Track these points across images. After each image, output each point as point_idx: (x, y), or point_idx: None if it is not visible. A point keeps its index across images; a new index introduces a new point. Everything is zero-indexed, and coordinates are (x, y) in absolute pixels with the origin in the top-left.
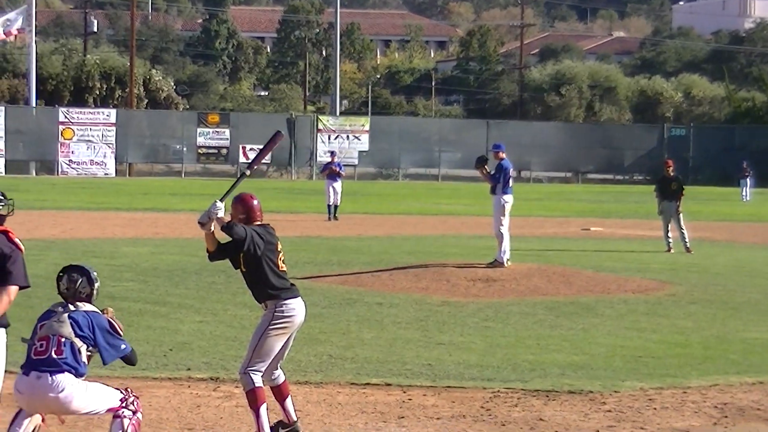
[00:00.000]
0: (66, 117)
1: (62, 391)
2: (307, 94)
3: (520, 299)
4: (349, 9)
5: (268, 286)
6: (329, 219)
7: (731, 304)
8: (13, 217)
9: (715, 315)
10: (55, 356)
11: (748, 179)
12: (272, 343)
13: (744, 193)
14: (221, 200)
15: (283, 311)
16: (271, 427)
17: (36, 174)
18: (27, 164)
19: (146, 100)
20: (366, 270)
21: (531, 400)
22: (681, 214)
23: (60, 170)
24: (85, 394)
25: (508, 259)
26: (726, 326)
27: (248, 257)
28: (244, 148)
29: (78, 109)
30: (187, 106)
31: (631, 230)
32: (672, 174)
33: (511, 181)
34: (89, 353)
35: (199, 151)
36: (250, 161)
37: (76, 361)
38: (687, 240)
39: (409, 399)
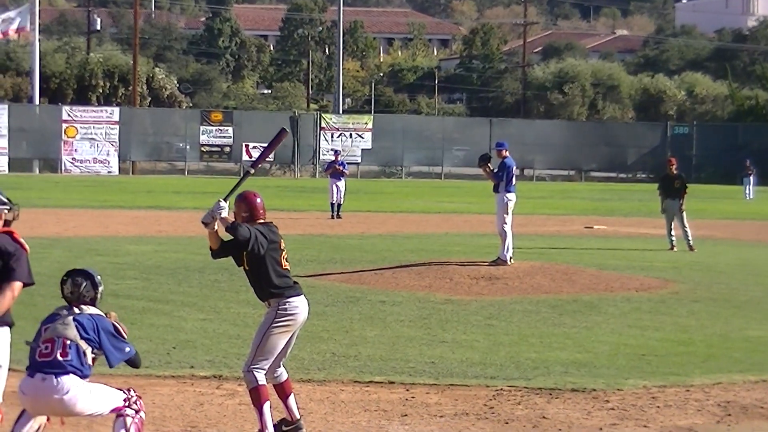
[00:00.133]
0: (69, 115)
1: (67, 392)
2: (310, 92)
3: (523, 297)
4: (352, 7)
5: (271, 285)
6: (332, 217)
7: (734, 302)
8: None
9: (719, 313)
10: (60, 358)
11: (751, 177)
12: (275, 341)
13: (747, 191)
14: (225, 199)
15: (286, 309)
16: (275, 425)
17: (39, 172)
18: (30, 162)
19: (149, 99)
20: (369, 268)
21: (534, 398)
22: (684, 212)
23: (63, 168)
24: (90, 395)
25: (511, 257)
26: (729, 324)
27: (251, 256)
28: (247, 146)
29: (81, 108)
30: (190, 104)
31: (634, 228)
32: (675, 172)
33: (514, 179)
34: (94, 356)
35: (203, 149)
36: (254, 159)
37: (81, 364)
38: (690, 238)
39: (412, 397)
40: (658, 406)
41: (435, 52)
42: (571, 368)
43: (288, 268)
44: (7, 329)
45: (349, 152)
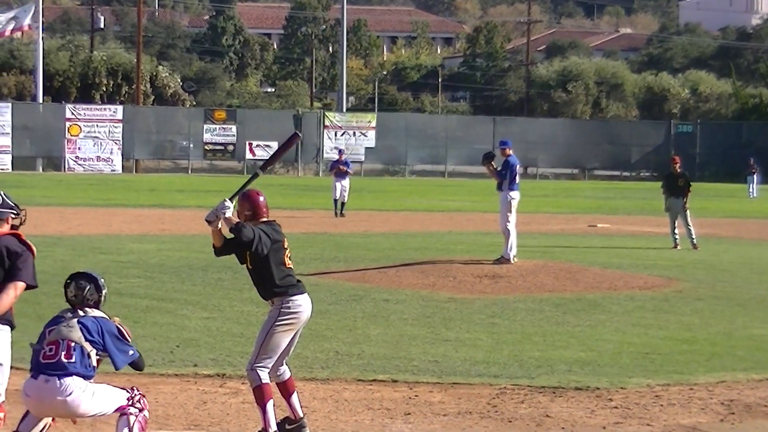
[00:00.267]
0: (73, 113)
1: (70, 394)
2: (314, 90)
3: (526, 296)
4: (355, 5)
5: (274, 284)
6: (336, 215)
7: (738, 301)
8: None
9: (722, 311)
10: (64, 360)
11: (755, 176)
12: (279, 339)
13: (751, 190)
14: (230, 199)
15: (289, 307)
16: (278, 424)
17: (43, 170)
18: (34, 160)
19: (153, 97)
20: (372, 266)
21: (537, 397)
22: (688, 211)
23: (67, 167)
24: (93, 396)
25: (514, 256)
26: (733, 323)
27: (255, 255)
28: (250, 144)
29: (85, 106)
30: (194, 103)
31: (637, 227)
32: (679, 170)
33: (517, 177)
34: (98, 357)
35: (206, 147)
36: (264, 161)
37: (84, 366)
38: (694, 236)
39: (416, 395)
40: (662, 405)
41: (438, 51)
42: (574, 367)
43: (291, 266)
44: (7, 328)
45: (353, 151)
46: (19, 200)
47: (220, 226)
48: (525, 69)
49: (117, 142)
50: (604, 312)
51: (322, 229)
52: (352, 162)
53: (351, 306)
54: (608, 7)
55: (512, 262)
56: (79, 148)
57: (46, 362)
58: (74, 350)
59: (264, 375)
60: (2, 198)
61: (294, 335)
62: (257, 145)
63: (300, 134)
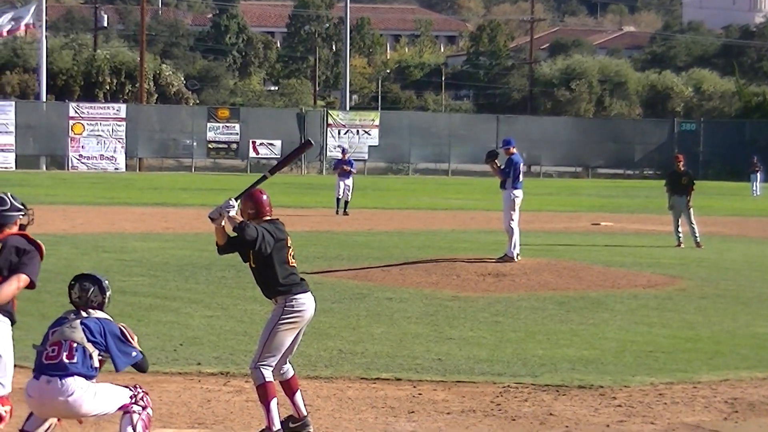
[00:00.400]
0: (76, 112)
1: (71, 394)
2: (317, 88)
3: (530, 294)
4: (358, 4)
5: (277, 282)
6: (337, 213)
7: (741, 299)
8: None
9: (726, 310)
10: (66, 361)
11: (758, 174)
12: (282, 337)
13: (754, 188)
14: (236, 199)
15: (293, 306)
16: (282, 422)
17: (46, 169)
18: (37, 159)
19: (156, 95)
20: (376, 265)
21: (541, 395)
22: (691, 209)
23: (70, 165)
24: (95, 397)
25: (518, 254)
26: (736, 321)
27: (258, 254)
28: (254, 142)
29: (88, 104)
30: (197, 101)
31: (641, 225)
32: (682, 169)
33: (521, 176)
34: (101, 358)
35: (209, 145)
36: (274, 165)
37: (87, 366)
38: (697, 235)
39: (419, 394)
40: (665, 403)
41: (442, 49)
42: (578, 365)
43: (295, 265)
44: (7, 321)
45: (356, 149)
46: (23, 199)
47: (223, 224)
48: (528, 67)
49: (120, 140)
50: (608, 310)
51: (325, 228)
52: (355, 160)
53: (354, 304)
54: (612, 6)
55: (516, 260)
56: (82, 147)
57: (48, 363)
58: (76, 351)
59: (267, 373)
60: (10, 201)
61: (297, 334)
62: (261, 144)
63: (312, 142)
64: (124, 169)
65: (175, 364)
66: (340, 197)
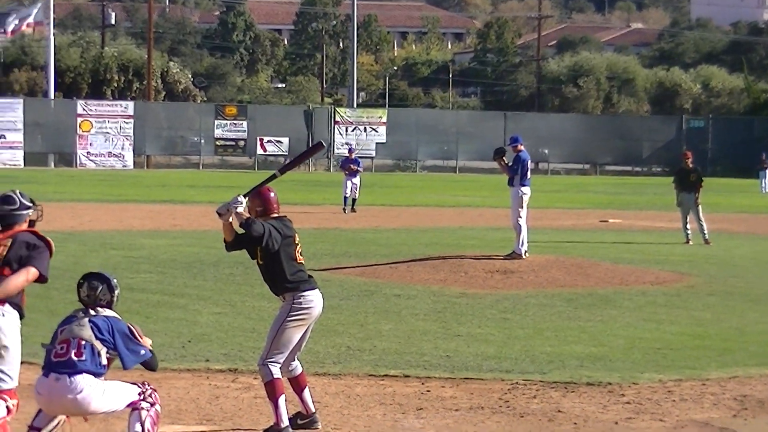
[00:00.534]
0: (84, 109)
1: (80, 392)
2: (325, 86)
3: (538, 291)
4: (366, 1)
5: (285, 279)
6: (344, 211)
7: (750, 296)
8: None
9: (734, 306)
10: (74, 358)
11: (767, 171)
12: (290, 334)
13: (763, 185)
14: (244, 196)
15: (301, 303)
16: (290, 419)
17: (54, 166)
18: (45, 156)
19: (164, 93)
20: (384, 262)
21: (549, 392)
22: (700, 206)
23: (78, 162)
24: (103, 394)
25: (526, 251)
26: (745, 318)
27: (266, 251)
28: (261, 140)
29: (96, 102)
30: (205, 99)
31: (649, 222)
32: (691, 166)
33: (528, 173)
34: (109, 356)
35: (217, 143)
36: (285, 164)
37: (95, 364)
38: (706, 232)
39: (428, 390)
40: (674, 400)
41: (449, 46)
42: (586, 362)
43: (302, 262)
44: (16, 313)
45: (363, 146)
46: (31, 196)
47: (231, 220)
48: (536, 64)
49: (128, 137)
50: (616, 307)
51: (333, 225)
52: (363, 158)
53: (362, 301)
54: (619, 2)
55: (524, 257)
56: (90, 144)
57: (56, 360)
58: (85, 348)
59: (275, 370)
60: (18, 200)
61: (305, 330)
62: (268, 141)
63: (324, 144)
64: (131, 167)
65: (183, 360)
66: (347, 196)
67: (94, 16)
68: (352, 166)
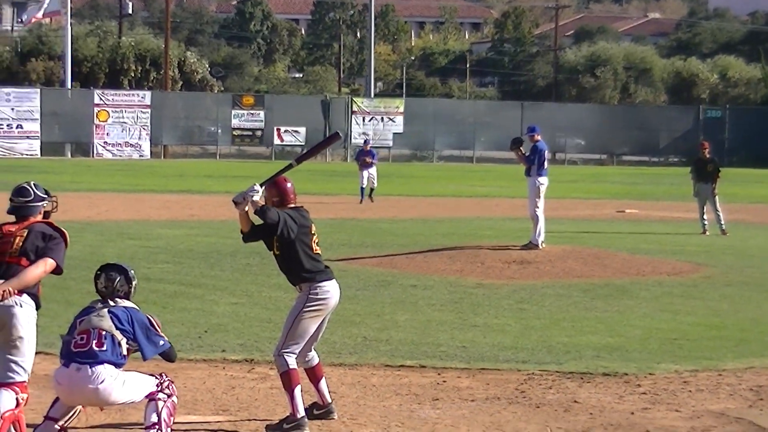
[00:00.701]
0: (101, 99)
1: (101, 382)
2: (342, 76)
3: (554, 281)
4: None
5: (302, 269)
6: (361, 202)
7: (767, 287)
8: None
9: (751, 297)
10: (95, 348)
11: None
12: (307, 325)
13: None
14: (261, 185)
15: (317, 293)
16: (306, 409)
17: (71, 156)
18: (62, 146)
19: (181, 82)
20: (400, 252)
21: (566, 383)
22: (717, 197)
23: (95, 152)
24: (123, 385)
25: (542, 242)
26: (761, 308)
27: (282, 241)
28: (278, 130)
29: (113, 91)
30: (222, 88)
31: (666, 212)
32: (708, 156)
33: (546, 163)
34: (129, 347)
35: (234, 133)
36: (301, 154)
37: (116, 354)
38: (723, 222)
39: (444, 381)
40: (690, 391)
41: (466, 36)
42: (602, 352)
43: (319, 252)
44: (33, 305)
45: (380, 136)
46: (48, 186)
47: (247, 209)
48: (553, 54)
49: (145, 127)
50: (633, 298)
51: (350, 215)
52: (380, 147)
53: (379, 292)
54: None
55: (540, 247)
56: (107, 134)
57: (77, 350)
58: (105, 339)
59: (291, 360)
60: (33, 191)
61: (322, 321)
62: (285, 131)
63: (341, 135)
64: (148, 156)
65: (199, 351)
66: (364, 186)
67: (112, 6)
68: (366, 158)
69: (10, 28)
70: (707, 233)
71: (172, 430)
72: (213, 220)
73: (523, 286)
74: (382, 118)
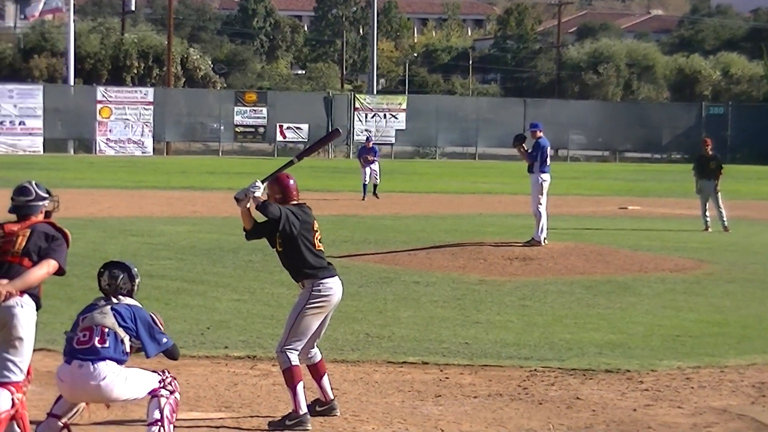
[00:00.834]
0: (104, 96)
1: (104, 379)
2: (344, 72)
3: (557, 278)
4: None
5: (305, 266)
6: (363, 199)
7: None
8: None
9: (753, 294)
10: (98, 345)
11: None
12: (309, 321)
13: None
14: (262, 181)
15: (320, 290)
16: (308, 406)
17: (74, 152)
18: (65, 143)
19: (183, 79)
20: (403, 249)
21: (568, 379)
22: (719, 193)
23: (98, 149)
24: (126, 381)
25: (545, 238)
26: (764, 305)
27: (284, 237)
28: (281, 126)
29: (116, 88)
30: (225, 85)
31: (668, 209)
32: (710, 153)
33: (548, 159)
34: (132, 344)
35: (237, 129)
36: (302, 151)
37: (119, 351)
38: (725, 219)
39: (446, 377)
40: (693, 387)
41: (469, 33)
42: (605, 349)
43: (322, 249)
44: (33, 304)
45: (383, 133)
46: (51, 183)
47: (249, 205)
48: (556, 51)
49: (148, 124)
50: (635, 294)
51: (352, 212)
52: (382, 144)
53: (381, 288)
54: None
55: (543, 244)
56: (110, 131)
57: (80, 347)
58: (108, 336)
59: (293, 357)
60: (34, 191)
61: (324, 318)
62: (288, 128)
63: (341, 131)
64: (151, 153)
65: (202, 347)
66: (366, 183)
67: (114, 2)
68: (368, 156)
69: (13, 24)
70: (710, 230)
71: (174, 426)
72: (215, 217)
73: (525, 283)
74: (385, 115)
